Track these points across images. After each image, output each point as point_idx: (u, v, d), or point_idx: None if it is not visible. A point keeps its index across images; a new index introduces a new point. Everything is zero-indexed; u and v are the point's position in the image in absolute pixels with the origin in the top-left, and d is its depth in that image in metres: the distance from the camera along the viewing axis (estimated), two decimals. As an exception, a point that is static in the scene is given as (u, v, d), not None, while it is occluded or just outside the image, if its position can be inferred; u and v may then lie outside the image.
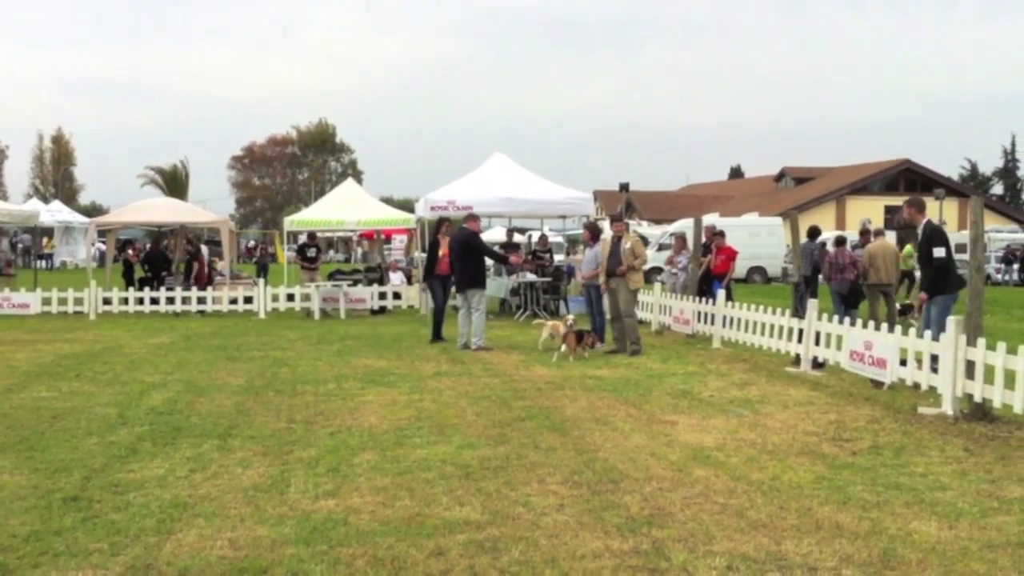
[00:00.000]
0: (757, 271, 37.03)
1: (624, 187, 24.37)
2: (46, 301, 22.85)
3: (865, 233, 19.26)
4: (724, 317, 15.57)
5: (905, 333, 10.89)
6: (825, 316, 12.79)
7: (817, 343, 12.72)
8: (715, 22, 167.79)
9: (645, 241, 28.80)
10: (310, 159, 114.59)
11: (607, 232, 16.45)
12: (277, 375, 12.78)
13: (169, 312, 22.85)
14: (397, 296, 23.83)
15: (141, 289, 23.67)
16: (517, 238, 26.44)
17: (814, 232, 20.59)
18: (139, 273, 26.07)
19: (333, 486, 7.11)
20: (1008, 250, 42.42)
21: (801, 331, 13.07)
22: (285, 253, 35.60)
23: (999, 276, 40.59)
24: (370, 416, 9.79)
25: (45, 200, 65.29)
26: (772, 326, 14.04)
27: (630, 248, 15.07)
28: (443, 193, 22.49)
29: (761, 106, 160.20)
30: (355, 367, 13.43)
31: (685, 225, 37.03)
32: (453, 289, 16.55)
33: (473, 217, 16.59)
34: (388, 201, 34.85)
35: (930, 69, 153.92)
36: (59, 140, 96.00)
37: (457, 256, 15.91)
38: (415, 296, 23.46)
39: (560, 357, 14.01)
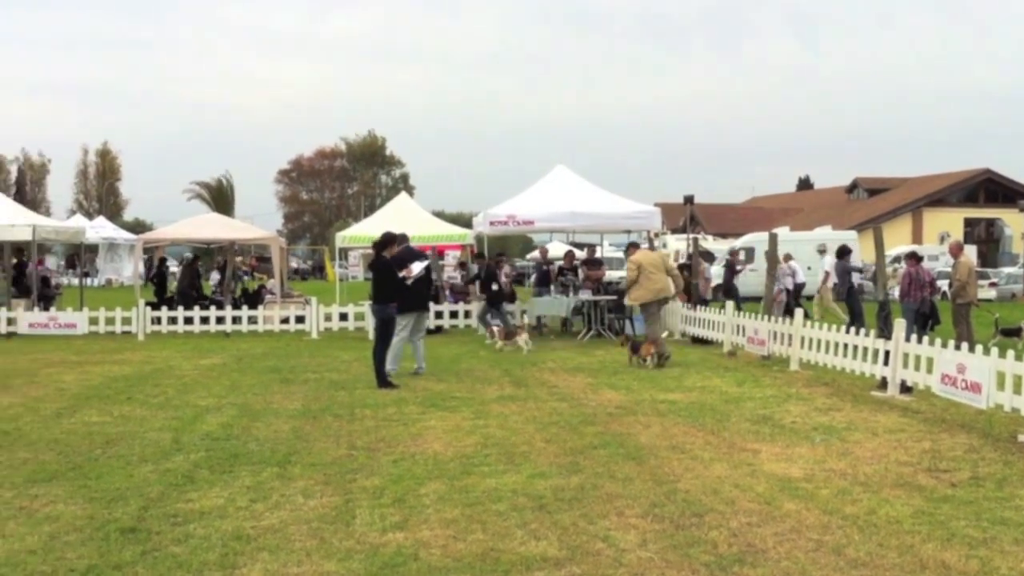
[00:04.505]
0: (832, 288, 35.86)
1: (688, 199, 23.76)
2: (93, 321, 22.67)
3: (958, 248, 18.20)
4: (803, 338, 14.94)
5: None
6: (914, 337, 12.18)
7: (905, 366, 12.11)
8: (778, 24, 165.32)
9: (711, 256, 28.40)
10: (359, 173, 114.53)
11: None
12: (334, 399, 12.46)
13: (219, 331, 22.59)
14: (454, 315, 23.43)
15: (175, 308, 23.41)
16: (578, 254, 25.95)
17: (844, 251, 20.11)
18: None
19: (400, 518, 6.83)
20: None
21: (887, 353, 12.46)
22: (336, 270, 35.42)
23: None
24: (434, 443, 9.46)
25: (89, 216, 65.46)
26: (855, 347, 13.38)
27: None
28: (504, 208, 22.09)
29: (832, 113, 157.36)
30: (414, 390, 13.07)
31: (755, 239, 36.31)
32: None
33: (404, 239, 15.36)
34: (439, 216, 34.58)
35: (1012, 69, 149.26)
36: (105, 154, 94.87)
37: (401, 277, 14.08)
38: (474, 314, 23.02)
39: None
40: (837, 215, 63.04)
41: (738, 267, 26.32)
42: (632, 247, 18.10)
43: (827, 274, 22.56)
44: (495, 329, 18.76)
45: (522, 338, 17.95)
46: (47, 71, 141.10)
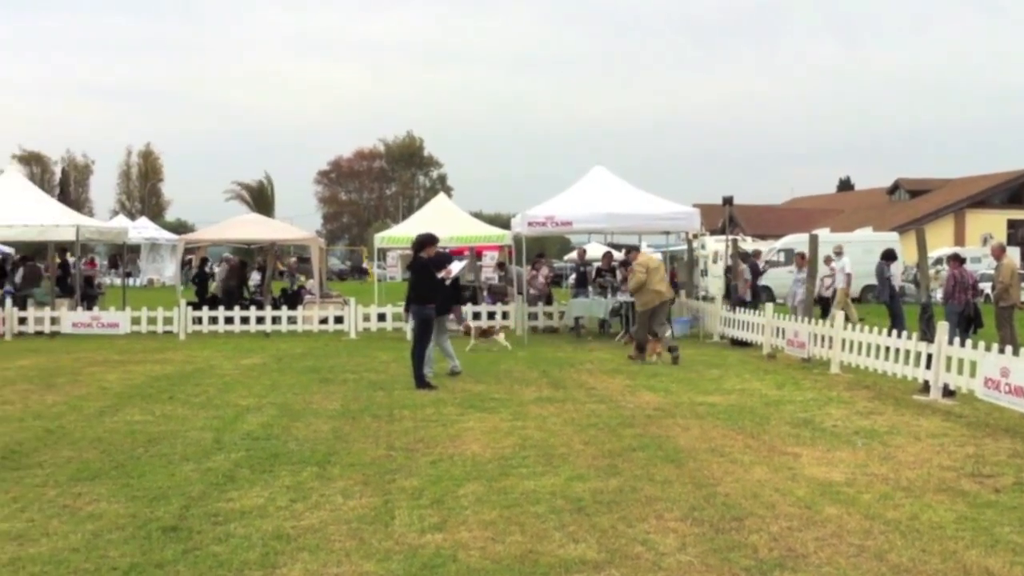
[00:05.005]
0: (872, 290, 35.53)
1: (727, 200, 23.53)
2: (135, 321, 22.90)
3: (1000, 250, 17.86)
4: (844, 340, 14.80)
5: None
6: (957, 341, 12.02)
7: (948, 369, 11.96)
8: (817, 25, 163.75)
9: (749, 257, 28.28)
10: (398, 173, 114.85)
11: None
12: (373, 399, 12.49)
13: (259, 331, 22.73)
14: (492, 315, 23.40)
15: (215, 307, 23.61)
16: (616, 255, 25.92)
17: (888, 255, 19.91)
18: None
19: (439, 519, 6.84)
20: None
21: (930, 356, 12.32)
22: (375, 271, 35.56)
23: None
24: (472, 444, 9.46)
25: (131, 216, 66.27)
26: (897, 350, 13.25)
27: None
28: (542, 209, 22.02)
29: (872, 113, 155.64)
30: (453, 391, 13.09)
31: (795, 240, 36.04)
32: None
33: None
34: (477, 216, 34.62)
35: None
36: (148, 155, 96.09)
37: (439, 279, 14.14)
38: (512, 316, 23.02)
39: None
40: (878, 216, 62.47)
41: (761, 268, 26.19)
42: (633, 251, 18.52)
43: (848, 276, 22.39)
44: (470, 325, 19.52)
45: (500, 335, 19.10)
46: (92, 73, 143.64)
